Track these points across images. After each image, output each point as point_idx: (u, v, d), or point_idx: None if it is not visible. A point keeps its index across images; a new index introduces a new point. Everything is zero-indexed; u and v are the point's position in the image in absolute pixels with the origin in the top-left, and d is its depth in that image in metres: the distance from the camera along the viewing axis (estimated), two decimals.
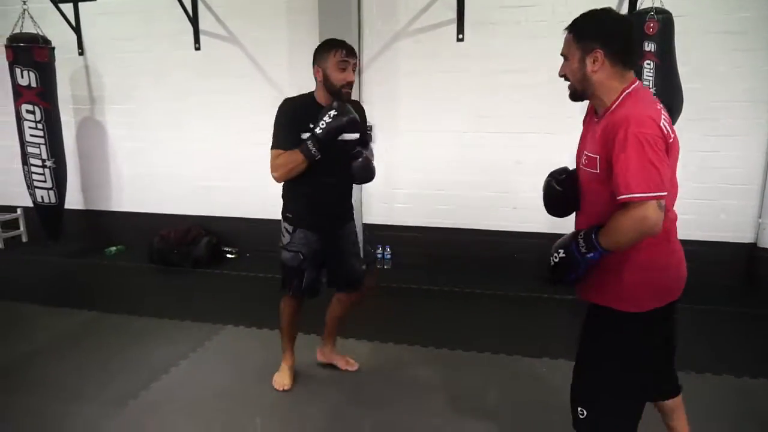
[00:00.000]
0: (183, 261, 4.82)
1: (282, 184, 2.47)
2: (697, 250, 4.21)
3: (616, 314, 1.61)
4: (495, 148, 4.48)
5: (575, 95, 1.68)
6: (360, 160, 2.44)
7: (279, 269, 2.58)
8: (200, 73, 5.05)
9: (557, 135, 4.29)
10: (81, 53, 5.34)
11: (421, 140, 4.66)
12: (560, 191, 1.82)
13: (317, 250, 2.49)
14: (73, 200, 5.49)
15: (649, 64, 3.54)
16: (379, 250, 4.83)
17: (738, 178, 4.11)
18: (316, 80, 2.38)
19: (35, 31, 4.75)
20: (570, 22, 1.64)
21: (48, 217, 5.13)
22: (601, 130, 1.55)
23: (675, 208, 1.68)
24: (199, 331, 3.40)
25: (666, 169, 1.46)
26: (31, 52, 4.68)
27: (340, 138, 2.30)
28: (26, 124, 4.81)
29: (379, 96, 4.68)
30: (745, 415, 2.49)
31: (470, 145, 4.50)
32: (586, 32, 1.59)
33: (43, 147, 4.87)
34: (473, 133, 4.49)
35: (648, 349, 1.65)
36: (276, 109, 2.40)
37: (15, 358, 3.09)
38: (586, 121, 1.76)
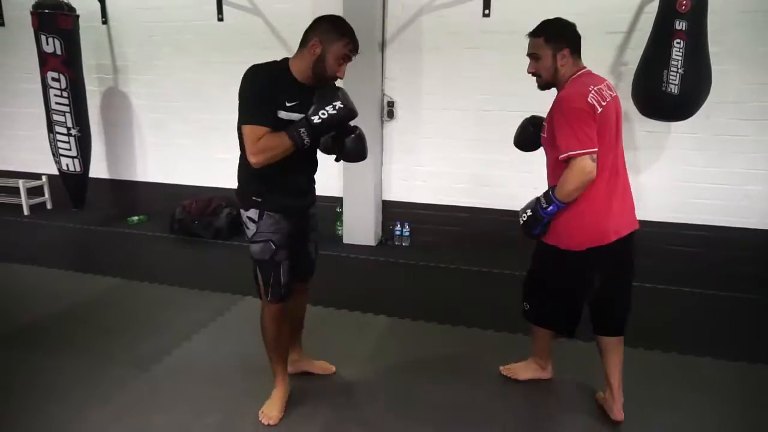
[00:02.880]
0: (204, 232, 4.90)
1: (240, 164, 2.12)
2: (719, 235, 4.17)
3: (560, 251, 2.11)
4: (514, 126, 4.41)
5: (546, 86, 2.15)
6: (354, 136, 2.18)
7: (252, 272, 2.19)
8: (222, 44, 5.04)
9: None
10: (104, 22, 5.36)
11: (443, 117, 4.62)
12: (531, 131, 2.37)
13: (288, 235, 2.14)
14: (98, 169, 5.58)
15: (678, 43, 3.45)
16: (398, 227, 4.84)
17: (763, 163, 4.02)
18: (304, 50, 1.99)
19: None
20: (534, 29, 2.11)
21: (73, 186, 5.23)
22: (551, 106, 2.07)
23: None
24: (219, 301, 3.46)
25: (593, 132, 1.92)
26: (56, 19, 4.71)
27: None
28: (52, 91, 4.87)
29: (401, 71, 4.64)
30: (758, 402, 2.48)
31: (493, 123, 4.45)
32: (555, 35, 2.07)
33: (68, 115, 4.94)
34: (497, 111, 4.43)
35: (581, 279, 2.14)
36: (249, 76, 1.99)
37: (42, 320, 3.19)
38: None
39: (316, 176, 2.36)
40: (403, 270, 4.24)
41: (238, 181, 2.18)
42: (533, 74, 2.14)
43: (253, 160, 1.94)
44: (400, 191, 4.88)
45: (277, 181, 2.08)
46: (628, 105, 4.04)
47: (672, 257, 4.25)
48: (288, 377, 2.36)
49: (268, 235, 2.10)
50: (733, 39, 3.84)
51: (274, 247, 2.10)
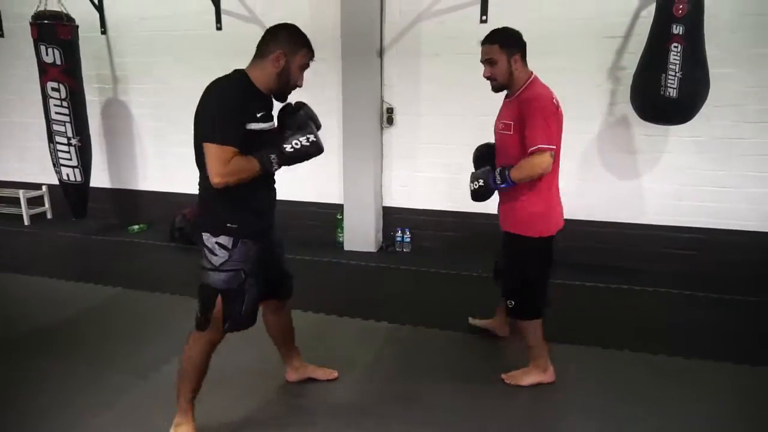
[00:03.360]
0: None
1: (204, 185, 1.97)
2: (719, 239, 4.16)
3: (524, 238, 2.40)
4: None
5: (500, 88, 2.41)
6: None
7: (199, 300, 2.04)
8: (221, 54, 5.05)
9: (581, 121, 4.23)
10: (103, 32, 5.39)
11: (442, 123, 4.63)
12: (480, 154, 2.71)
13: (256, 260, 2.04)
14: (98, 178, 5.58)
15: (676, 46, 3.46)
16: (399, 233, 4.84)
17: (764, 165, 4.01)
18: (266, 61, 1.96)
19: (59, 9, 4.80)
20: (486, 37, 2.37)
21: (73, 195, 5.24)
22: (517, 105, 2.31)
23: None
24: None
25: (555, 131, 2.25)
26: (55, 29, 4.73)
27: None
28: (51, 101, 4.88)
29: (400, 78, 4.65)
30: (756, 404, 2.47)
31: (492, 128, 4.43)
32: (509, 42, 2.33)
33: (68, 125, 4.95)
34: (489, 116, 4.42)
35: (545, 260, 2.47)
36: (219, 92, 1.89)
37: (43, 328, 3.19)
38: (503, 103, 2.50)
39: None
40: (404, 276, 4.24)
41: (203, 205, 2.02)
42: (488, 78, 2.39)
43: (216, 180, 1.82)
44: (400, 197, 4.88)
45: (249, 204, 1.98)
46: (626, 109, 4.07)
47: (672, 261, 4.25)
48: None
49: (239, 264, 1.97)
50: (730, 42, 3.85)
51: (243, 276, 1.99)
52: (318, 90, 4.83)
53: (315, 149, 1.96)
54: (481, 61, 2.40)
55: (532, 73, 2.38)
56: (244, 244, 1.97)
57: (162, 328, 3.21)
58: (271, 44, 1.97)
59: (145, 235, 5.31)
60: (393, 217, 4.91)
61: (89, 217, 5.48)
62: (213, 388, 2.60)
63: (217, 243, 1.95)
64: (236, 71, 2.00)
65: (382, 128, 4.75)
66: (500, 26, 2.40)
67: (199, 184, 2.01)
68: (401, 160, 4.80)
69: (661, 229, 4.26)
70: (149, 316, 3.42)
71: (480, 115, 4.48)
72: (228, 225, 1.95)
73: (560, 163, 2.38)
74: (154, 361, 2.80)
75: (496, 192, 2.46)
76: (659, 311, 3.51)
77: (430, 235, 4.83)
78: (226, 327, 2.03)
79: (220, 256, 1.95)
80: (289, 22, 2.07)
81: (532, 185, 2.32)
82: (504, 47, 2.32)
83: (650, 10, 3.76)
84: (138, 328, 3.22)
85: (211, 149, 1.82)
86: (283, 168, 1.97)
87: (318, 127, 2.04)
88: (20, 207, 5.71)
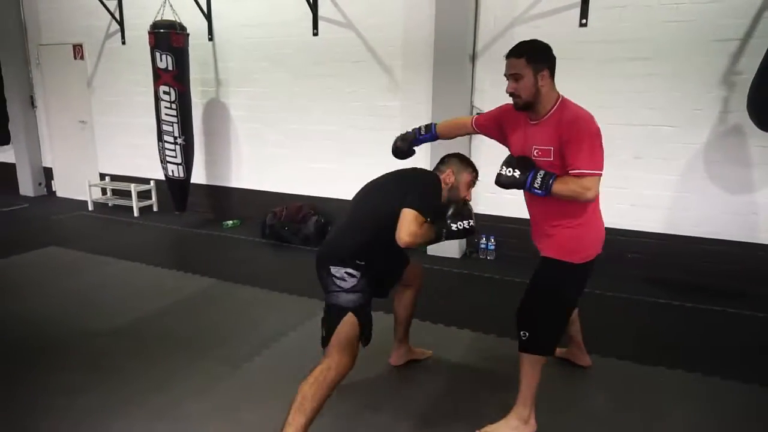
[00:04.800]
0: (293, 237, 5.09)
1: (362, 232, 2.26)
2: (730, 250, 3.89)
3: (562, 264, 2.18)
4: (612, 140, 4.14)
5: (524, 106, 2.13)
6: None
7: (327, 323, 2.19)
8: (317, 58, 5.25)
9: (687, 129, 3.96)
10: (210, 39, 5.76)
11: None
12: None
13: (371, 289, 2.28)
14: (198, 175, 5.97)
15: None
16: (483, 241, 4.76)
17: None
18: (441, 175, 2.45)
19: (173, 19, 5.19)
20: (512, 49, 2.12)
21: (177, 190, 5.65)
22: (555, 128, 2.07)
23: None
24: (306, 305, 3.57)
25: (602, 156, 2.05)
26: (170, 37, 5.12)
27: None
28: (162, 103, 5.29)
29: (492, 83, 4.58)
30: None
31: None
32: (536, 56, 2.08)
33: (175, 125, 5.34)
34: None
35: (578, 289, 2.28)
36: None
37: (147, 315, 3.45)
38: (519, 125, 2.26)
39: None
40: (488, 284, 4.16)
41: (345, 244, 2.26)
42: (511, 94, 2.14)
43: (407, 238, 2.12)
44: (487, 204, 4.80)
45: (384, 265, 2.34)
46: (742, 118, 3.74)
47: None
48: None
49: (363, 287, 2.20)
50: None
51: (367, 297, 2.24)
52: (409, 94, 4.88)
53: (473, 232, 2.38)
54: (505, 75, 2.14)
55: (559, 93, 2.15)
56: (364, 279, 2.22)
57: (252, 321, 3.37)
58: (447, 165, 2.53)
59: (239, 231, 5.61)
60: (478, 224, 4.82)
61: (189, 211, 5.89)
62: (296, 384, 2.69)
63: (347, 272, 2.20)
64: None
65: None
66: (530, 38, 2.16)
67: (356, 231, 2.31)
68: (489, 166, 4.69)
69: None
70: (241, 308, 3.59)
71: None
72: (358, 262, 2.21)
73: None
74: (246, 352, 2.94)
75: (525, 201, 2.36)
76: None
77: (516, 243, 4.70)
78: (362, 342, 2.23)
79: (348, 282, 2.19)
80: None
81: (577, 205, 2.10)
82: (531, 62, 2.07)
83: None
84: (230, 320, 3.40)
85: (410, 214, 2.16)
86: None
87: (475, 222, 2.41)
88: (131, 199, 6.23)
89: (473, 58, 4.57)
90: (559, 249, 2.18)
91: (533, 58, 2.08)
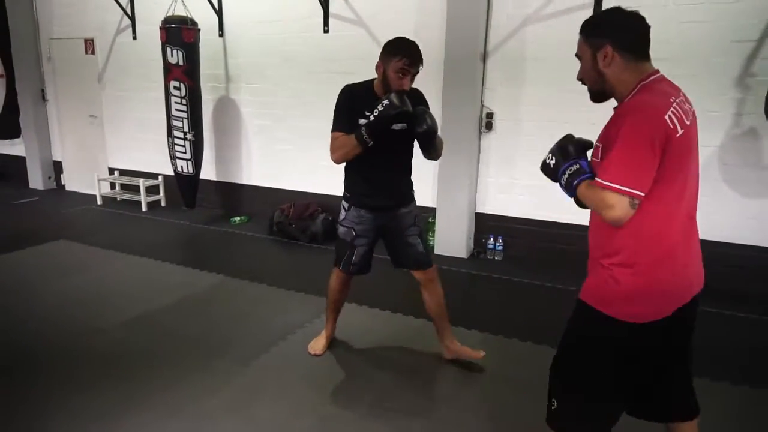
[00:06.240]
0: (300, 235, 5.08)
1: (343, 165, 2.60)
2: (743, 254, 3.86)
3: (596, 314, 1.53)
4: None
5: (597, 96, 1.66)
6: (424, 127, 2.38)
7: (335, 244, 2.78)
8: (327, 55, 5.23)
9: (701, 131, 3.90)
10: (221, 35, 5.75)
11: (546, 129, 4.46)
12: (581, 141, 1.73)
13: (369, 228, 2.63)
14: (206, 171, 5.97)
15: None
16: (491, 241, 4.73)
17: None
18: (377, 71, 2.45)
19: (185, 14, 5.19)
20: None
21: (186, 186, 5.65)
22: (613, 121, 1.52)
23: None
24: (313, 304, 3.56)
25: (650, 167, 1.41)
26: (181, 33, 5.12)
27: (393, 128, 2.41)
28: (173, 99, 5.30)
29: (503, 82, 4.55)
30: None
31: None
32: (594, 30, 1.59)
33: (185, 121, 5.34)
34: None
35: (620, 362, 1.52)
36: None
37: (156, 311, 3.46)
38: None
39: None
40: (495, 284, 4.13)
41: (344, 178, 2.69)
42: (581, 81, 1.69)
43: (332, 156, 2.47)
44: (495, 204, 4.77)
45: (358, 181, 2.60)
46: (757, 120, 3.69)
47: None
48: (334, 325, 2.98)
49: (351, 223, 2.64)
50: None
51: (354, 233, 2.64)
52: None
53: (392, 109, 2.27)
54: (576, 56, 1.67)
55: (651, 73, 1.55)
56: (355, 210, 2.62)
57: (260, 318, 3.36)
58: (379, 58, 2.45)
59: (246, 227, 5.60)
60: (486, 224, 4.81)
61: (197, 207, 5.89)
62: (305, 383, 2.67)
63: (342, 204, 2.68)
64: (371, 80, 2.55)
65: (480, 133, 4.67)
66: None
67: None
68: (498, 166, 4.69)
69: None
70: (249, 305, 3.59)
71: (587, 123, 4.27)
72: (345, 193, 2.67)
73: (687, 208, 1.52)
74: (255, 350, 2.94)
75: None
76: None
77: (523, 244, 4.67)
78: (339, 266, 2.74)
79: (342, 214, 2.69)
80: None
81: (621, 233, 1.48)
82: (588, 37, 1.59)
83: None
84: (238, 316, 3.39)
85: (330, 136, 2.48)
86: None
87: (398, 104, 2.30)
88: (140, 194, 6.24)
89: (484, 57, 4.54)
90: (586, 290, 1.62)
91: (591, 31, 1.60)
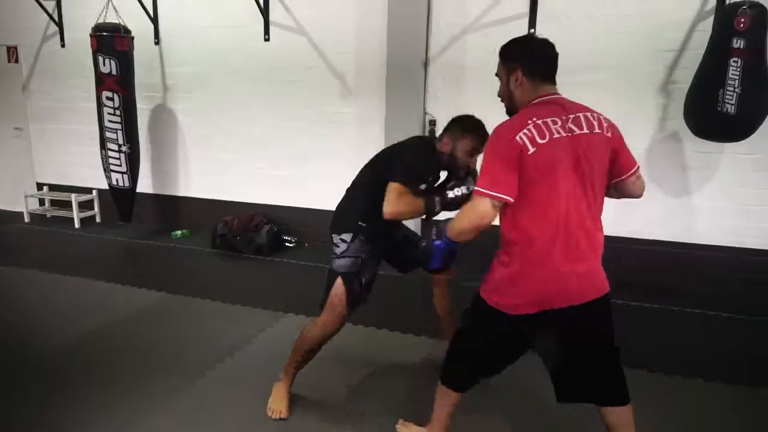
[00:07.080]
0: (245, 247, 4.96)
1: (360, 199, 2.37)
2: (663, 250, 4.08)
3: (479, 297, 1.84)
4: None
5: (508, 112, 1.85)
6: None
7: (326, 284, 2.36)
8: (269, 64, 5.16)
9: (630, 136, 4.10)
10: (157, 43, 5.57)
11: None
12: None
13: (373, 254, 2.39)
14: (144, 184, 5.75)
15: (736, 61, 3.34)
16: None
17: None
18: (440, 144, 2.35)
19: (117, 22, 4.99)
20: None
21: (121, 200, 5.41)
22: None
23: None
24: (261, 317, 3.48)
25: (507, 176, 1.62)
26: (113, 41, 4.92)
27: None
28: (105, 110, 5.07)
29: (444, 90, 4.64)
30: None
31: None
32: (509, 55, 1.81)
33: (119, 132, 5.13)
34: None
35: (488, 337, 1.85)
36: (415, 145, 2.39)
37: (97, 332, 3.27)
38: None
39: None
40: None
41: (340, 213, 2.44)
42: (500, 98, 1.88)
43: (391, 209, 2.12)
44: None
45: (376, 216, 2.21)
46: (678, 125, 3.94)
47: (726, 282, 4.06)
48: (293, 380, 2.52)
49: (357, 253, 2.33)
50: None
51: (361, 261, 2.33)
52: (362, 100, 4.87)
53: (467, 198, 2.21)
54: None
55: (545, 94, 1.75)
56: (359, 241, 2.33)
57: (204, 334, 3.25)
58: (443, 131, 2.40)
59: (188, 241, 5.42)
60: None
61: (135, 222, 5.65)
62: (254, 398, 2.60)
63: (340, 239, 2.35)
64: (431, 141, 2.49)
65: None
66: (508, 40, 1.88)
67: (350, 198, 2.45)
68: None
69: (713, 250, 4.09)
70: (194, 321, 3.46)
71: None
72: (359, 224, 2.34)
73: (568, 215, 1.65)
74: (199, 366, 2.84)
75: None
76: (710, 336, 3.36)
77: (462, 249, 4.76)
78: (348, 307, 2.33)
79: (341, 247, 2.35)
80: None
81: (508, 238, 1.73)
82: (505, 61, 1.81)
83: (707, 24, 3.66)
84: (183, 333, 3.27)
85: (393, 185, 2.16)
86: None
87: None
88: (72, 210, 5.92)
89: (426, 64, 4.61)
90: (484, 279, 1.87)
91: (506, 57, 1.82)
